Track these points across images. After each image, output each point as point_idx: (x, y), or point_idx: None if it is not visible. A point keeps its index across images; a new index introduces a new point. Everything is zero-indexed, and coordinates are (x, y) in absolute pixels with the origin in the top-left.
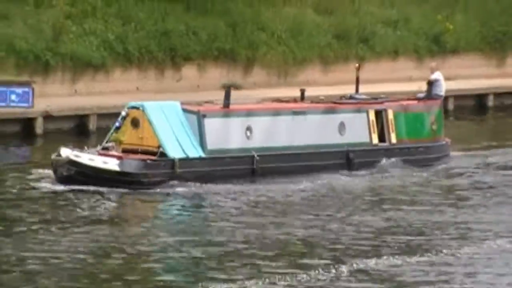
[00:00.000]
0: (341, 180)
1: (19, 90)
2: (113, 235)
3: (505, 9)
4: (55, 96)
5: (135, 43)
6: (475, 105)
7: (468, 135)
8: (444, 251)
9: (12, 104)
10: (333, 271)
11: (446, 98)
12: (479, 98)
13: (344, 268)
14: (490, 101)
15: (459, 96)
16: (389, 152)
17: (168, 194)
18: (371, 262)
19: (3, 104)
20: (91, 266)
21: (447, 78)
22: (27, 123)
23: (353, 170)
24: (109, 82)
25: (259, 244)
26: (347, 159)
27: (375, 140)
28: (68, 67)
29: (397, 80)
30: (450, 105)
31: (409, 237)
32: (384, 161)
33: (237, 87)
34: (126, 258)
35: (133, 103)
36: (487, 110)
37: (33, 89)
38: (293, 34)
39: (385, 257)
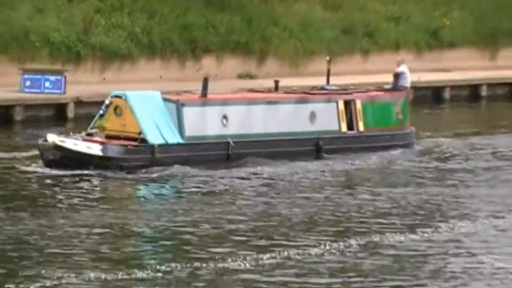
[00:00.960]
0: (310, 165)
1: (53, 78)
2: (94, 216)
3: (498, 7)
4: (85, 83)
5: (159, 35)
6: (469, 95)
7: (460, 122)
8: (427, 229)
9: (46, 90)
10: (306, 249)
11: (443, 88)
12: (473, 88)
13: (323, 246)
14: (484, 91)
15: (455, 87)
16: (357, 139)
17: (148, 178)
18: (354, 240)
19: (38, 90)
20: (73, 245)
21: (444, 70)
22: (60, 108)
23: (322, 157)
24: (134, 71)
25: (235, 223)
26: (317, 146)
27: (344, 128)
28: (97, 57)
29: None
30: (446, 95)
31: (385, 216)
32: (352, 147)
33: (252, 77)
34: (106, 236)
35: (116, 92)
36: (480, 99)
37: (65, 77)
38: (303, 28)
39: (367, 235)
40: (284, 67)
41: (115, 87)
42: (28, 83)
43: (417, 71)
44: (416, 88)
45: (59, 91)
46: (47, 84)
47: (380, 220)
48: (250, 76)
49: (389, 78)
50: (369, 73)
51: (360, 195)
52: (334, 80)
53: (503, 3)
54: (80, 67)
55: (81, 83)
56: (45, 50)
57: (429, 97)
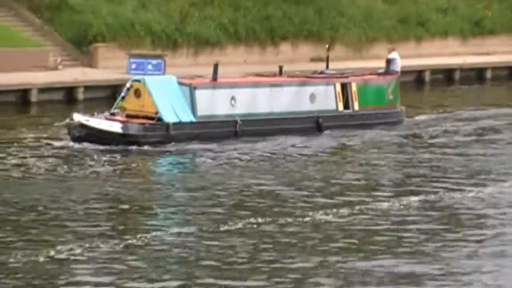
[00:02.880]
0: (311, 139)
1: (154, 62)
2: (114, 186)
3: None
4: (181, 66)
5: (243, 25)
6: (508, 75)
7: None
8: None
9: (149, 72)
10: (308, 217)
11: (484, 69)
12: (511, 70)
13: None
14: None
15: (495, 68)
16: (352, 117)
17: (163, 152)
18: (373, 204)
19: (142, 72)
20: (98, 210)
21: (485, 54)
22: None
23: (322, 132)
24: (222, 56)
25: (241, 192)
26: (317, 123)
27: (341, 107)
28: (191, 44)
29: (447, 55)
30: (488, 75)
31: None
32: (348, 124)
33: (323, 60)
34: (128, 202)
35: (135, 77)
36: None
37: (164, 61)
38: (366, 18)
39: (381, 197)
40: (349, 52)
41: (206, 70)
42: (133, 66)
43: (462, 55)
44: (462, 69)
45: (159, 72)
46: (149, 67)
47: (364, 184)
48: (321, 60)
49: (439, 61)
50: (422, 57)
51: (353, 162)
52: (381, 62)
53: None
54: (177, 52)
55: (178, 66)
56: (148, 38)
57: (474, 77)
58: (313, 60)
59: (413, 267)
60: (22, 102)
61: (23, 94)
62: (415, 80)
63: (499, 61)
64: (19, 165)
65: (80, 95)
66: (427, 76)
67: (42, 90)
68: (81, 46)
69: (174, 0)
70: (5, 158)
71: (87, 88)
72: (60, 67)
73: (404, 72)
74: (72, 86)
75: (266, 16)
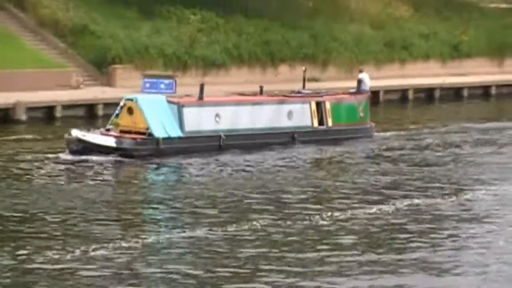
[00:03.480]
0: (288, 152)
1: (166, 81)
2: (109, 193)
3: (504, 26)
4: (190, 85)
5: (246, 49)
6: (482, 93)
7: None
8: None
9: (161, 91)
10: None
11: (462, 88)
12: (485, 89)
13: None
14: (493, 90)
15: (471, 87)
16: (327, 132)
17: (152, 164)
18: (350, 212)
19: (155, 91)
20: (95, 210)
21: (463, 75)
22: None
23: (297, 147)
24: (227, 76)
25: (225, 198)
26: (292, 138)
27: (316, 124)
28: (199, 65)
29: (428, 75)
30: (465, 93)
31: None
32: (322, 139)
33: (317, 80)
34: (121, 205)
35: (128, 96)
36: (490, 97)
37: (175, 81)
38: (356, 43)
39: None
40: (341, 73)
41: (212, 88)
42: (147, 85)
43: (442, 75)
44: (441, 88)
45: (171, 91)
46: (162, 86)
47: (334, 192)
48: (315, 79)
49: (421, 81)
50: (405, 77)
51: (322, 171)
52: (375, 83)
53: (508, 23)
54: (187, 73)
55: (187, 85)
56: (160, 60)
57: (452, 95)
58: (308, 80)
59: (396, 265)
60: (48, 117)
61: (49, 110)
62: (400, 98)
63: (475, 81)
64: (20, 174)
65: (100, 111)
66: (410, 95)
67: (66, 106)
68: (101, 67)
69: (184, 26)
70: (8, 166)
71: (106, 105)
72: (82, 86)
73: (390, 91)
74: (93, 103)
75: (266, 41)
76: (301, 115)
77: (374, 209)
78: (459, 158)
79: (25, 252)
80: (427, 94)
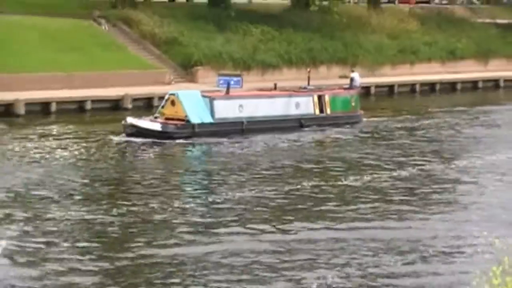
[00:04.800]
0: (296, 134)
1: (235, 79)
2: (156, 166)
3: (489, 37)
4: (253, 82)
5: (294, 54)
6: (471, 87)
7: (463, 102)
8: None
9: (232, 86)
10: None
11: (456, 83)
12: (474, 83)
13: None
14: (480, 84)
15: (463, 82)
16: (326, 119)
17: (190, 144)
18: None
19: (226, 86)
20: (140, 179)
21: (456, 72)
22: None
23: (303, 130)
24: (280, 75)
25: (250, 170)
26: (300, 123)
27: (318, 112)
28: (259, 67)
29: (431, 73)
30: (459, 87)
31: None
32: (323, 123)
33: (347, 77)
34: (165, 175)
35: (171, 91)
36: (478, 89)
37: (242, 78)
38: (376, 49)
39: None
40: (365, 72)
41: (269, 84)
42: (221, 81)
43: (441, 73)
44: (441, 83)
45: (239, 86)
46: (232, 82)
47: (331, 163)
48: (346, 77)
49: (425, 77)
50: (414, 75)
51: (324, 147)
52: (390, 79)
53: (491, 34)
54: (250, 72)
55: (251, 82)
56: (230, 63)
57: (449, 88)
58: (340, 77)
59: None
60: (147, 107)
61: (148, 100)
62: (410, 90)
63: (466, 78)
64: (82, 152)
65: None
66: (418, 88)
67: (161, 98)
68: (187, 68)
69: (248, 38)
70: (73, 144)
71: None
72: (172, 83)
73: (402, 85)
74: None
75: (310, 48)
76: (306, 106)
77: (369, 176)
78: (453, 134)
79: (125, 206)
80: (430, 87)
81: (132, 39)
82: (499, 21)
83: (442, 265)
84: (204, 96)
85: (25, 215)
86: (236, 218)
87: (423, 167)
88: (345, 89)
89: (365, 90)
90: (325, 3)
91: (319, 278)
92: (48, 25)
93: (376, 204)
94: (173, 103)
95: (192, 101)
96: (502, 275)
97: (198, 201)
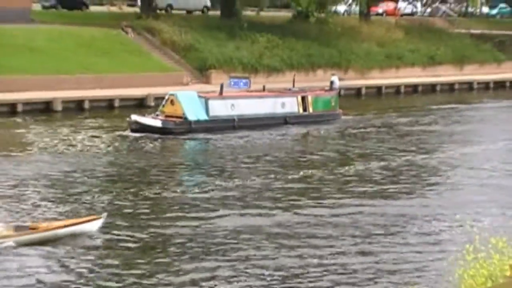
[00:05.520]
0: (282, 130)
1: (244, 80)
2: (157, 156)
3: (464, 46)
4: (260, 83)
5: (295, 59)
6: (449, 88)
7: (441, 100)
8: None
9: (242, 87)
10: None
11: (436, 85)
12: (451, 85)
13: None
14: (456, 86)
15: (442, 84)
16: (308, 117)
17: (187, 139)
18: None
19: (237, 86)
20: (139, 170)
21: (436, 76)
22: None
23: (288, 126)
24: (283, 78)
25: (240, 160)
26: (285, 120)
27: (301, 111)
28: (265, 70)
29: (414, 77)
30: (438, 88)
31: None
32: (306, 120)
33: (341, 79)
34: (163, 166)
35: (171, 92)
36: (454, 91)
37: (250, 81)
38: (366, 55)
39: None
40: (357, 75)
41: (274, 85)
42: (232, 83)
43: (423, 76)
44: (422, 85)
45: (247, 87)
46: (241, 83)
47: (313, 156)
48: (340, 79)
49: (409, 80)
50: (399, 78)
51: (306, 141)
52: (378, 80)
53: (466, 43)
54: (257, 75)
55: (258, 83)
56: (240, 67)
57: (430, 89)
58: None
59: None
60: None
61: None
62: (395, 91)
63: (444, 80)
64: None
65: None
66: (402, 89)
67: None
68: (202, 71)
69: (256, 45)
70: (84, 139)
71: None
72: (189, 84)
73: (388, 86)
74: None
75: (309, 54)
76: (291, 105)
77: (345, 165)
78: (430, 128)
79: (151, 189)
80: (413, 89)
81: (155, 46)
82: (473, 31)
83: (421, 244)
84: (200, 96)
85: (60, 196)
86: (225, 199)
87: (393, 157)
88: (325, 90)
89: (356, 91)
90: (322, 15)
91: (314, 255)
92: (83, 34)
93: (352, 189)
94: (172, 102)
95: (189, 100)
96: (474, 252)
97: (192, 184)
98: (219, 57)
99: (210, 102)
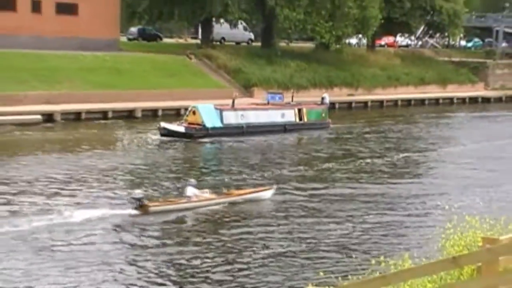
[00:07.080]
0: (281, 136)
1: (279, 95)
2: (180, 157)
3: (447, 70)
4: (289, 98)
5: (318, 80)
6: (435, 103)
7: (429, 111)
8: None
9: (277, 100)
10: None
11: (425, 100)
12: (437, 100)
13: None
14: (441, 101)
15: (430, 99)
16: (303, 125)
17: (206, 142)
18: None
19: (273, 100)
20: (162, 168)
21: (425, 93)
22: None
23: (287, 133)
24: (309, 93)
25: (248, 162)
26: (285, 128)
27: (298, 120)
28: (295, 88)
29: (407, 93)
30: (427, 103)
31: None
32: (301, 128)
33: (352, 95)
34: (183, 164)
35: (193, 105)
36: (439, 104)
37: (283, 95)
38: (372, 77)
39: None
40: (366, 92)
41: (300, 99)
42: (269, 97)
43: (414, 93)
44: (414, 100)
45: (281, 100)
46: (277, 98)
47: (307, 155)
48: (351, 95)
49: (404, 96)
50: (397, 94)
51: (301, 144)
52: (385, 95)
53: (449, 68)
54: (288, 91)
55: (288, 97)
56: (275, 85)
57: (419, 103)
58: (348, 95)
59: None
60: None
61: None
62: (393, 104)
63: (432, 96)
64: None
65: None
66: (399, 102)
67: None
68: (246, 88)
69: (288, 68)
70: (119, 142)
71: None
72: (237, 97)
73: (389, 100)
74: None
75: (328, 76)
76: (289, 115)
77: (333, 162)
78: (417, 133)
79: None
80: (407, 102)
81: (212, 69)
82: (453, 59)
83: (410, 222)
84: (216, 108)
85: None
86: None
87: (375, 155)
88: (317, 104)
89: (364, 104)
90: (338, 46)
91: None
92: (157, 59)
93: (343, 181)
94: (194, 113)
95: (207, 111)
96: (454, 227)
97: (213, 175)
98: (260, 77)
99: (224, 113)
